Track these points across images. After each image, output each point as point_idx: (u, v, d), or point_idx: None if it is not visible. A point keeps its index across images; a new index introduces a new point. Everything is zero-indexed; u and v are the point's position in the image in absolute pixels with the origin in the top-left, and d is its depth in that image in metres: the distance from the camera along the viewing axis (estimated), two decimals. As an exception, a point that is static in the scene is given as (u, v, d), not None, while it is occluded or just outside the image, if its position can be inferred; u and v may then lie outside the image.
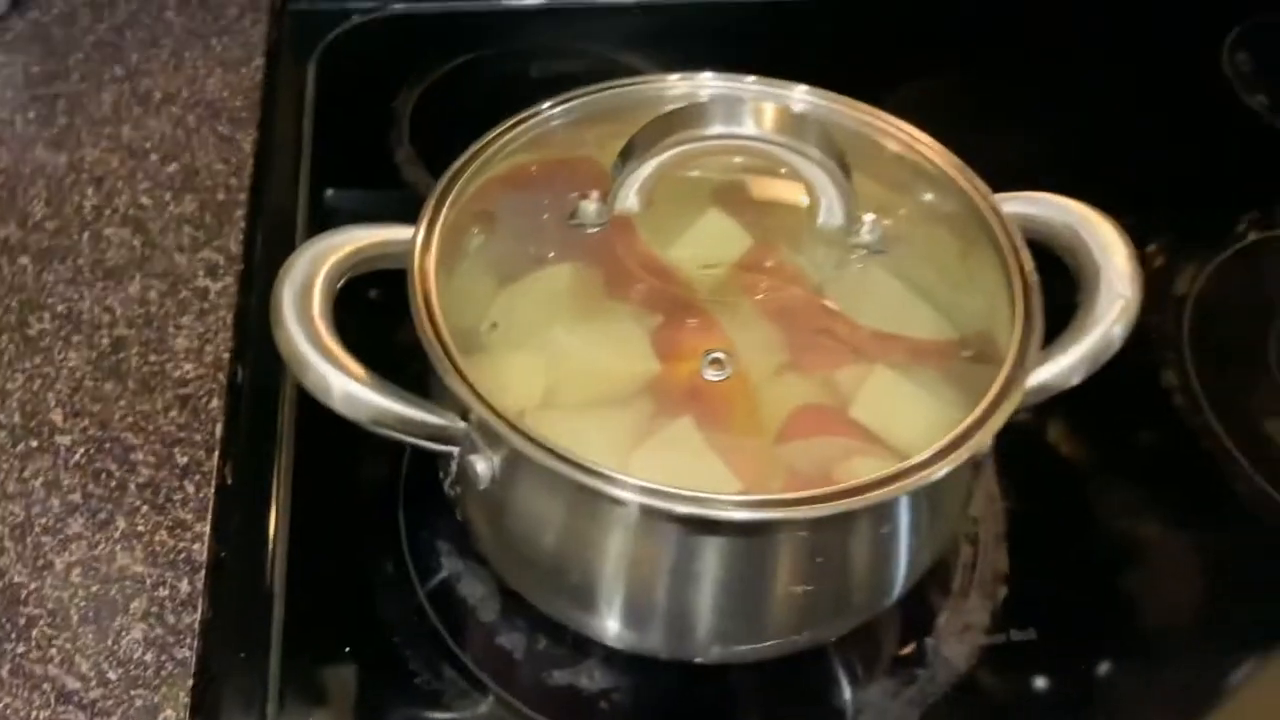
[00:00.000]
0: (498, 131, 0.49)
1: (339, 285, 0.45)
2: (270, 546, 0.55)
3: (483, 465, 0.43)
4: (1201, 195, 0.77)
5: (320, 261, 0.45)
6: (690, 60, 0.77)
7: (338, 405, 0.43)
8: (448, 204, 0.47)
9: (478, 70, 0.80)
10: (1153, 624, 0.56)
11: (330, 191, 0.73)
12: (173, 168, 0.70)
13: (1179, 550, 0.59)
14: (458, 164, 0.48)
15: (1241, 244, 0.73)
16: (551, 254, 0.49)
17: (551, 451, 0.40)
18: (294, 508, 0.56)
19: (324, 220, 0.71)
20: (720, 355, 0.45)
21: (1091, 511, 0.59)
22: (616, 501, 0.40)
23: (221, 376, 0.59)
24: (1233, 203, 0.76)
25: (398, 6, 0.84)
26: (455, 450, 0.44)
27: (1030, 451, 0.60)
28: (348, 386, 0.42)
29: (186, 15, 0.80)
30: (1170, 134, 0.81)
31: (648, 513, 0.41)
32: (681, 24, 0.85)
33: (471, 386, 0.41)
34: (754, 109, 0.44)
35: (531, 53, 0.81)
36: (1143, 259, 0.69)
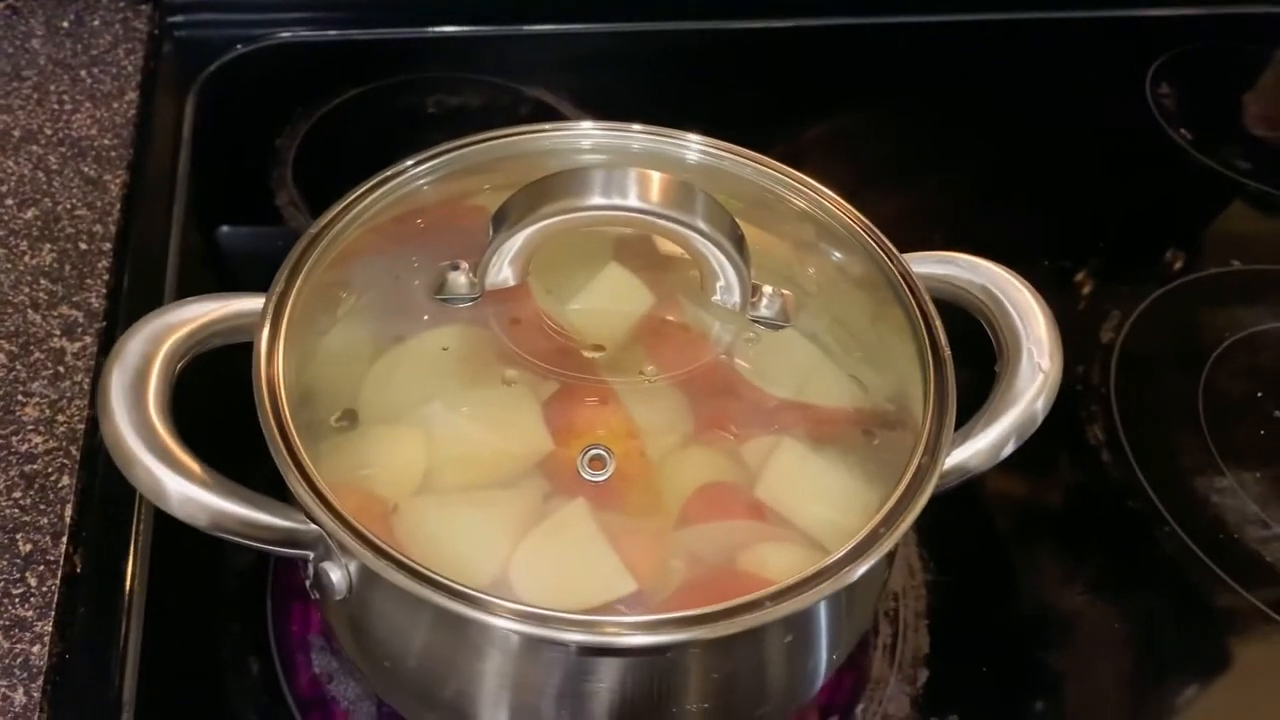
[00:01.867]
0: (361, 190, 0.45)
1: (180, 366, 0.40)
2: (121, 645, 0.50)
3: (338, 574, 0.39)
4: (1127, 235, 0.74)
5: (158, 341, 0.40)
6: (591, 93, 0.75)
7: (173, 508, 0.38)
8: (303, 273, 0.42)
9: (369, 104, 0.75)
10: (1081, 700, 0.53)
11: (207, 238, 0.68)
12: (30, 214, 0.64)
13: (1106, 618, 0.56)
14: (315, 228, 0.43)
15: (1169, 285, 0.71)
16: (427, 320, 0.45)
17: (406, 568, 0.35)
18: (149, 600, 0.51)
19: (197, 272, 0.65)
20: (601, 451, 0.41)
21: (1016, 580, 0.56)
22: (485, 625, 0.36)
23: (74, 450, 0.54)
24: (1160, 241, 0.74)
25: (284, 35, 0.79)
26: (310, 555, 0.39)
27: (952, 518, 0.56)
28: (183, 488, 0.38)
29: (54, 44, 0.74)
30: (1093, 172, 0.78)
31: (523, 635, 0.36)
32: (584, 56, 0.81)
33: (317, 490, 0.36)
34: (638, 178, 0.40)
35: (427, 85, 0.77)
36: (1068, 304, 0.68)
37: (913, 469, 0.39)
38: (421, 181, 0.46)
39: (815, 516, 0.42)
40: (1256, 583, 0.57)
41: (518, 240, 0.40)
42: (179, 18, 0.78)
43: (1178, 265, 0.72)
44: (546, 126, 0.48)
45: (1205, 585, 0.57)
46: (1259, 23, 0.90)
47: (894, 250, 0.45)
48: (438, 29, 0.81)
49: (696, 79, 0.80)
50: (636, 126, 0.48)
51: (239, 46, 0.78)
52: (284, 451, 0.37)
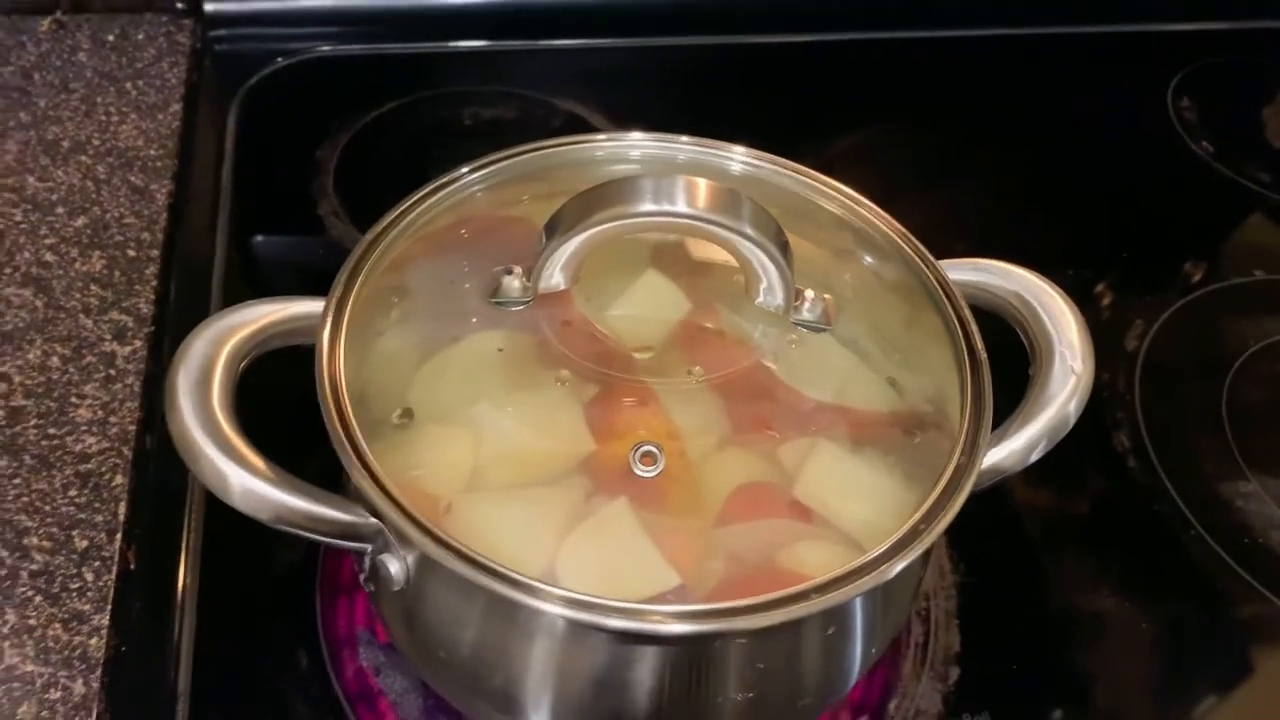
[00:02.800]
0: (416, 198, 0.46)
1: (242, 367, 0.42)
2: (175, 639, 0.51)
3: (395, 566, 0.40)
4: (1151, 245, 0.75)
5: (220, 343, 0.41)
6: (626, 105, 0.77)
7: (237, 501, 0.39)
8: (361, 277, 0.43)
9: (407, 116, 0.77)
10: (1109, 701, 0.54)
11: (251, 246, 0.70)
12: (80, 221, 0.66)
13: (1134, 620, 0.57)
14: (372, 234, 0.44)
15: (1192, 295, 0.72)
16: (477, 323, 0.46)
17: (466, 557, 0.36)
18: (202, 594, 0.52)
19: (241, 279, 0.67)
20: (652, 448, 0.42)
21: (1045, 582, 0.57)
22: (536, 611, 0.37)
23: (126, 450, 0.55)
24: (1182, 252, 0.75)
25: (324, 49, 0.81)
26: (368, 548, 0.41)
27: (981, 521, 0.57)
28: (247, 481, 0.39)
29: (100, 58, 0.76)
30: (1116, 183, 0.79)
31: (571, 622, 0.38)
32: (612, 70, 0.82)
33: (380, 484, 0.38)
34: (686, 185, 0.41)
35: (463, 98, 0.78)
36: (1092, 313, 0.69)
37: (951, 469, 0.40)
38: (474, 189, 0.47)
39: (852, 516, 0.43)
40: (1282, 586, 0.57)
41: (571, 245, 0.41)
42: (221, 32, 0.79)
43: (1200, 275, 0.73)
44: (598, 137, 0.49)
45: (1231, 590, 0.57)
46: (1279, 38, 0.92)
47: (930, 256, 0.47)
48: (471, 43, 0.83)
49: (723, 92, 0.81)
50: (684, 138, 0.50)
51: (279, 60, 0.80)
52: (348, 447, 0.38)
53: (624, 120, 0.75)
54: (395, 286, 0.45)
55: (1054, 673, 0.54)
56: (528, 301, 0.44)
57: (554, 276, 0.43)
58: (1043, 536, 0.59)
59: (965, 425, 0.41)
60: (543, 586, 0.36)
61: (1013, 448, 0.43)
